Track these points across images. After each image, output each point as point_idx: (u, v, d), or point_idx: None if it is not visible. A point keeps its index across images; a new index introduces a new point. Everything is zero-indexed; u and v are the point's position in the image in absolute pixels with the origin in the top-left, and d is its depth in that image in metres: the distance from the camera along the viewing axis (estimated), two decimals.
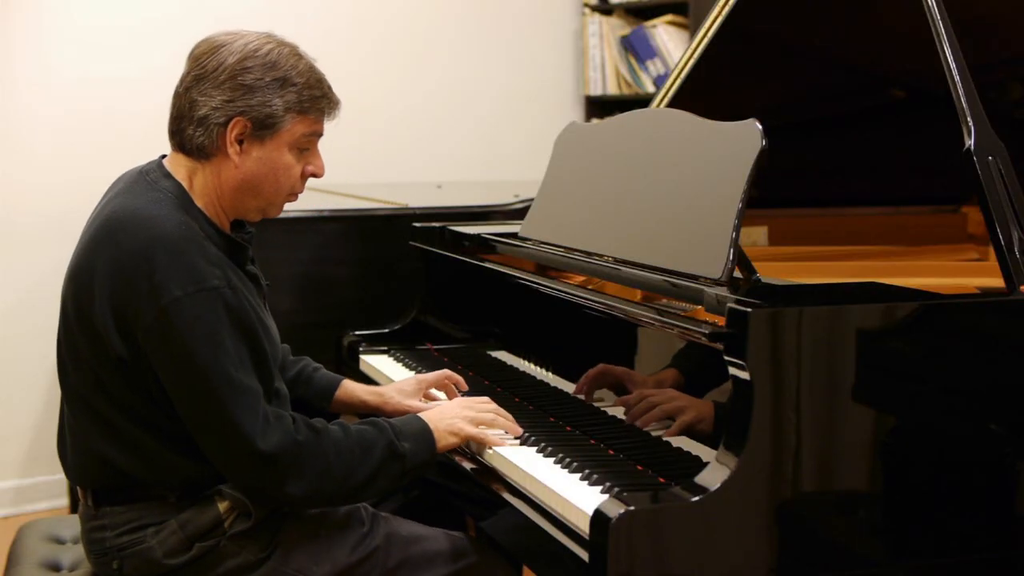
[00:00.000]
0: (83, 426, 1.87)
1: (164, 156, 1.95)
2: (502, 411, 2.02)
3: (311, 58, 1.93)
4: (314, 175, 1.95)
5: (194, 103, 1.86)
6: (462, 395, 2.22)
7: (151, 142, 4.48)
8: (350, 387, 2.26)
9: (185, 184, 1.89)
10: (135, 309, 1.76)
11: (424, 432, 1.93)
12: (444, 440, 1.94)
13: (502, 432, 1.98)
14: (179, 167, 1.90)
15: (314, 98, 1.89)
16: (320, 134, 1.94)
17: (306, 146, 1.91)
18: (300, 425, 1.82)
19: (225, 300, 1.77)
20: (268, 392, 1.85)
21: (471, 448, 2.00)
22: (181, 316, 1.74)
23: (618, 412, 1.98)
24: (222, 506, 1.86)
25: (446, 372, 2.25)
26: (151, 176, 1.90)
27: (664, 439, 1.86)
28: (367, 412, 2.22)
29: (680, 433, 1.84)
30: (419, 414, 1.98)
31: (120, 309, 1.78)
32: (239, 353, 1.78)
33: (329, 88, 1.93)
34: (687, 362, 1.85)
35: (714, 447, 1.68)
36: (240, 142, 1.86)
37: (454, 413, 1.98)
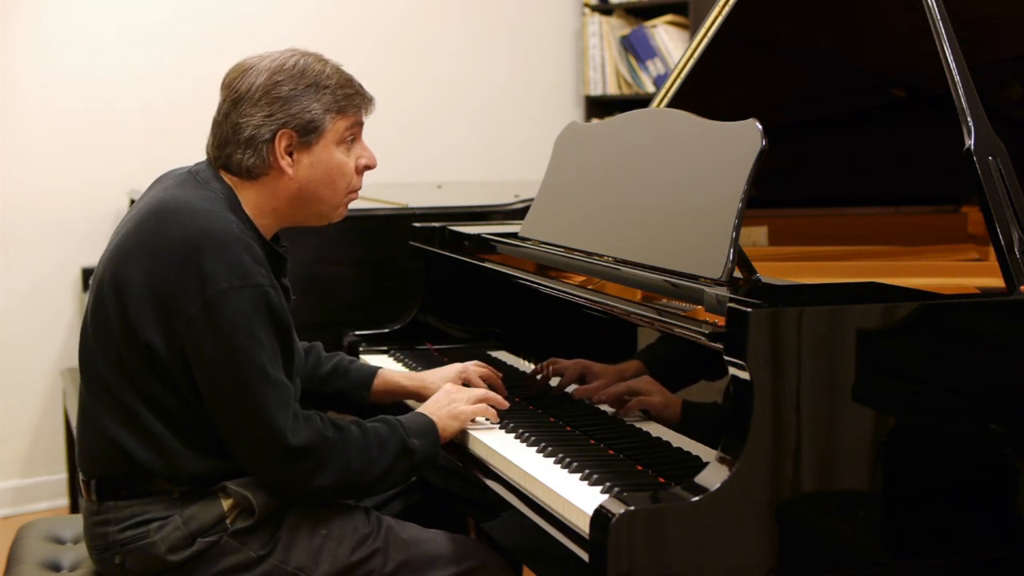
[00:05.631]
0: (99, 409, 1.88)
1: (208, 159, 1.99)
2: (489, 393, 2.10)
3: (336, 62, 1.98)
4: (368, 167, 2.01)
5: (237, 126, 1.90)
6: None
7: (151, 141, 4.50)
8: (387, 374, 2.31)
9: (235, 189, 1.93)
10: (180, 297, 1.79)
11: (430, 427, 1.98)
12: (448, 428, 2.01)
13: (495, 412, 2.07)
14: (227, 176, 1.95)
15: (348, 96, 1.95)
16: (361, 124, 1.99)
17: (351, 138, 1.97)
18: (327, 422, 1.88)
19: (268, 298, 1.82)
20: (297, 393, 1.90)
21: (470, 446, 2.00)
22: (226, 308, 1.78)
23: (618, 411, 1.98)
24: (226, 504, 1.88)
25: (488, 369, 2.28)
26: (202, 176, 1.94)
27: (664, 439, 1.86)
28: (406, 396, 2.29)
29: (641, 408, 1.90)
30: (419, 409, 2.04)
31: (162, 295, 1.81)
32: (275, 351, 1.84)
33: (360, 85, 1.99)
34: (672, 356, 1.85)
35: (693, 437, 1.68)
36: (290, 153, 1.91)
37: (450, 399, 2.05)
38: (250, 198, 1.93)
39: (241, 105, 1.90)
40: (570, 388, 2.14)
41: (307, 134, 1.91)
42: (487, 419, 2.06)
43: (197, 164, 1.98)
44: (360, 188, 2.02)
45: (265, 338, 1.81)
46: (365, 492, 1.95)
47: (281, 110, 1.89)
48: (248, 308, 1.79)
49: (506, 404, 2.09)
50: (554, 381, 2.17)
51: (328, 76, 1.93)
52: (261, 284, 1.82)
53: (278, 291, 1.87)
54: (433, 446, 1.97)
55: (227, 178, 1.94)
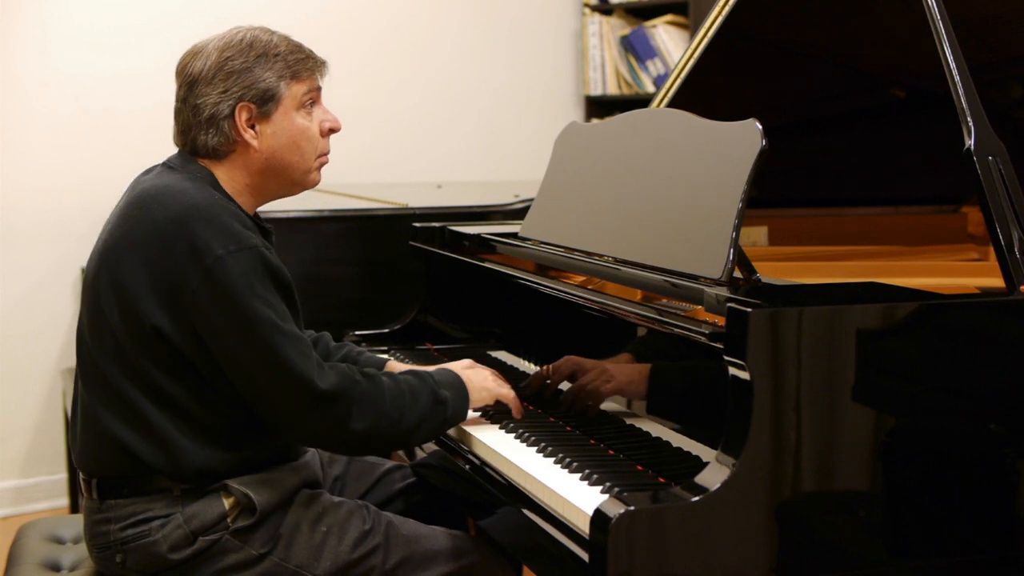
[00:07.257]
0: (98, 408, 1.89)
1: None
2: (514, 393, 2.10)
3: (284, 32, 2.00)
4: (333, 130, 2.01)
5: (196, 108, 1.92)
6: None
7: (151, 140, 4.48)
8: (395, 367, 2.31)
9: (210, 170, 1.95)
10: (179, 275, 1.81)
11: (459, 383, 2.01)
12: (475, 393, 2.03)
13: (519, 407, 2.08)
14: (199, 160, 1.96)
15: (299, 60, 1.96)
16: (318, 88, 2.00)
17: (310, 102, 1.98)
18: (355, 370, 1.89)
19: (264, 258, 1.84)
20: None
21: (470, 445, 2.00)
22: (226, 273, 1.79)
23: (618, 411, 1.98)
24: (227, 502, 1.88)
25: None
26: (175, 163, 1.96)
27: (664, 439, 1.86)
28: None
29: (612, 393, 1.96)
30: (447, 366, 2.07)
31: (161, 277, 1.82)
32: (281, 308, 1.84)
33: (310, 50, 2.00)
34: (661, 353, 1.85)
35: (693, 437, 1.68)
36: (252, 126, 1.92)
37: (483, 374, 2.08)
38: (223, 177, 1.95)
39: (197, 87, 1.91)
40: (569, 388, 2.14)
41: (265, 103, 1.92)
42: (499, 412, 2.06)
43: (169, 157, 1.99)
44: (328, 152, 2.02)
45: (270, 296, 1.83)
46: (402, 441, 1.95)
47: (236, 84, 1.90)
48: (248, 269, 1.81)
49: (521, 410, 2.09)
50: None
51: (276, 44, 1.95)
52: (256, 245, 1.83)
53: (272, 252, 1.88)
54: (463, 400, 1.99)
55: (200, 162, 1.95)
